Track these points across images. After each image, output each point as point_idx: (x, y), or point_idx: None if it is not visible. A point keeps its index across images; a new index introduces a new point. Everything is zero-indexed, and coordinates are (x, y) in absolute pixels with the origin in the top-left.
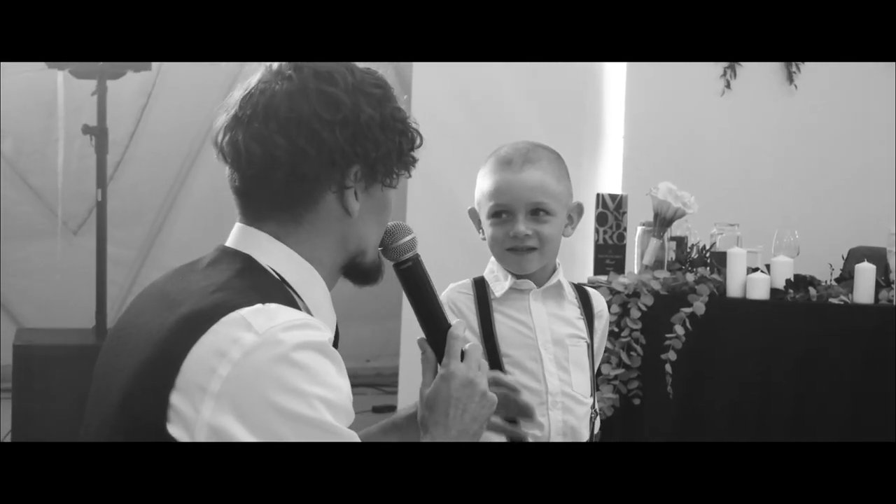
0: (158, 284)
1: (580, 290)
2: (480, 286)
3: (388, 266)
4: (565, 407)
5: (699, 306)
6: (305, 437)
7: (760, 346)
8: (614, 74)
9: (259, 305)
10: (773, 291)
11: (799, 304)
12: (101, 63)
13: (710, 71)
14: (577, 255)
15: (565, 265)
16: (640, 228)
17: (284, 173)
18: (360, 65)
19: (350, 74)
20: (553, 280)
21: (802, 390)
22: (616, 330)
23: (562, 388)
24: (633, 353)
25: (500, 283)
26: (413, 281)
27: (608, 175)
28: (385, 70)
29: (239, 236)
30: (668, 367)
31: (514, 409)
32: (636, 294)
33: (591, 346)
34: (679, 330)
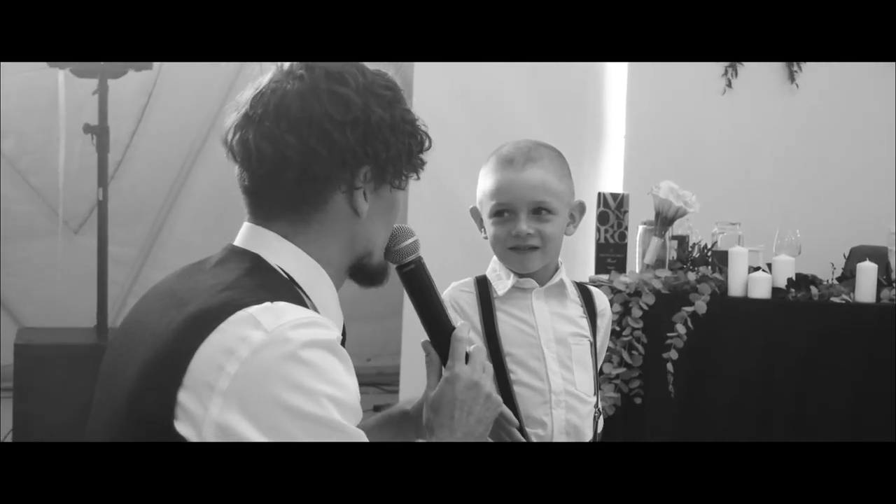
0: (166, 283)
1: (582, 289)
2: (483, 285)
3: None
4: (569, 406)
5: (701, 305)
6: (313, 435)
7: (762, 345)
8: (616, 74)
9: (268, 304)
10: (775, 290)
11: (800, 304)
12: (102, 62)
13: (712, 70)
14: (578, 254)
15: (567, 264)
16: (641, 227)
17: (295, 173)
18: (370, 65)
19: (361, 75)
20: (556, 279)
21: (804, 389)
22: (617, 329)
23: (565, 387)
24: (634, 352)
25: (502, 282)
26: (416, 284)
27: (609, 174)
28: (386, 70)
29: (247, 235)
30: (669, 367)
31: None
32: (637, 293)
33: (594, 345)
34: (680, 329)
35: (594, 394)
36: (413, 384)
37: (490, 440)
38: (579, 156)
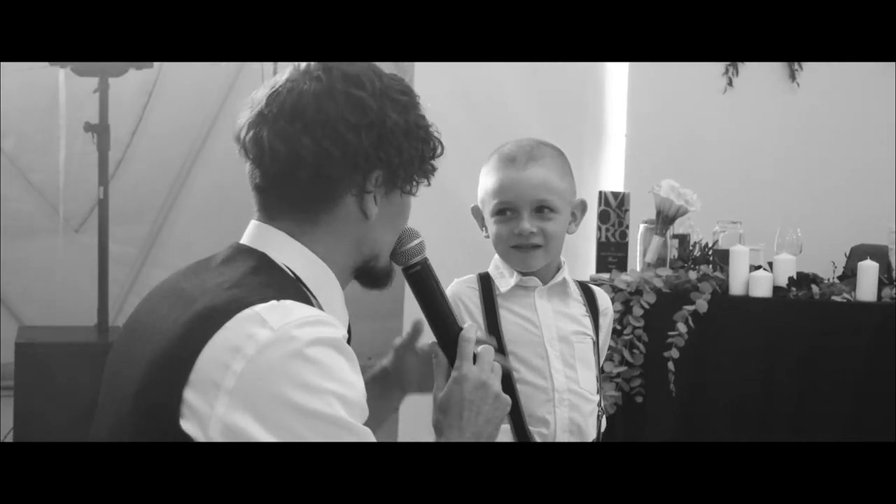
0: (172, 281)
1: (584, 288)
2: (486, 282)
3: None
4: (572, 404)
5: (702, 304)
6: (320, 433)
7: (763, 343)
8: (616, 72)
9: (274, 302)
10: (776, 289)
11: (801, 302)
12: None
13: (713, 69)
14: (579, 253)
15: (568, 263)
16: (642, 226)
17: (307, 173)
18: (386, 69)
19: (378, 79)
20: (559, 277)
21: (805, 388)
22: (618, 328)
23: (568, 386)
24: (635, 350)
25: (504, 280)
26: (422, 285)
27: (610, 173)
28: (386, 70)
29: (255, 234)
30: (670, 365)
31: None
32: (638, 292)
33: (596, 343)
34: (681, 328)
35: (597, 392)
36: None
37: (499, 440)
38: (580, 155)
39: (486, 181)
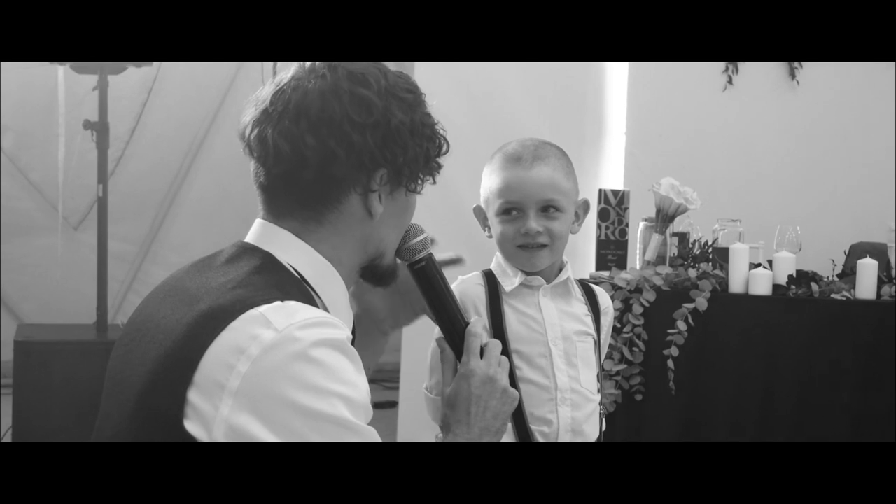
0: (176, 279)
1: (585, 287)
2: (491, 279)
3: None
4: (574, 403)
5: (701, 302)
6: (324, 434)
7: (762, 341)
8: (616, 70)
9: (278, 303)
10: (776, 287)
11: (801, 300)
12: None
13: (713, 67)
14: (578, 251)
15: (568, 261)
16: (642, 224)
17: (312, 173)
18: (391, 68)
19: (383, 77)
20: (562, 277)
21: (804, 386)
22: (618, 325)
23: (570, 385)
24: (635, 348)
25: (508, 279)
26: (428, 280)
27: (610, 171)
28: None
29: (259, 232)
30: (670, 363)
31: None
32: (638, 290)
33: (597, 343)
34: (681, 325)
35: (597, 392)
36: (414, 381)
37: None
38: (580, 152)
39: (491, 181)
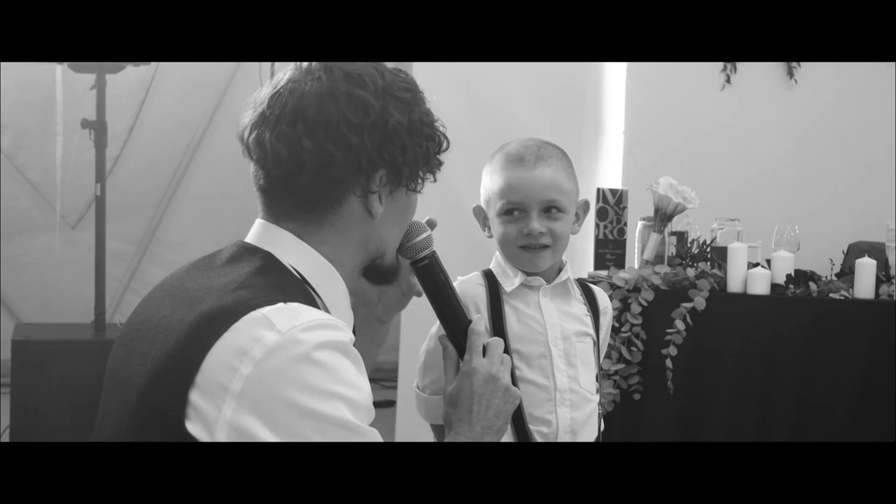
0: (176, 279)
1: (584, 287)
2: (491, 279)
3: None
4: (573, 403)
5: (699, 301)
6: (327, 436)
7: (761, 341)
8: (615, 69)
9: (281, 305)
10: (774, 286)
11: (799, 299)
12: None
13: (711, 66)
14: (577, 250)
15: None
16: (640, 223)
17: (310, 176)
18: (390, 65)
19: (380, 77)
20: (562, 277)
21: (803, 385)
22: (616, 325)
23: (570, 385)
24: (633, 348)
25: (509, 280)
26: (431, 278)
27: (608, 170)
28: None
29: (260, 233)
30: (668, 363)
31: None
32: (636, 289)
33: (597, 344)
34: (679, 325)
35: (596, 392)
36: (412, 380)
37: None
38: (578, 151)
39: (492, 181)
